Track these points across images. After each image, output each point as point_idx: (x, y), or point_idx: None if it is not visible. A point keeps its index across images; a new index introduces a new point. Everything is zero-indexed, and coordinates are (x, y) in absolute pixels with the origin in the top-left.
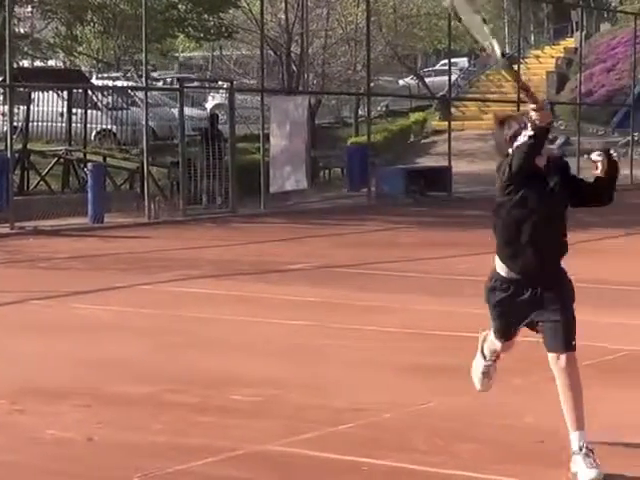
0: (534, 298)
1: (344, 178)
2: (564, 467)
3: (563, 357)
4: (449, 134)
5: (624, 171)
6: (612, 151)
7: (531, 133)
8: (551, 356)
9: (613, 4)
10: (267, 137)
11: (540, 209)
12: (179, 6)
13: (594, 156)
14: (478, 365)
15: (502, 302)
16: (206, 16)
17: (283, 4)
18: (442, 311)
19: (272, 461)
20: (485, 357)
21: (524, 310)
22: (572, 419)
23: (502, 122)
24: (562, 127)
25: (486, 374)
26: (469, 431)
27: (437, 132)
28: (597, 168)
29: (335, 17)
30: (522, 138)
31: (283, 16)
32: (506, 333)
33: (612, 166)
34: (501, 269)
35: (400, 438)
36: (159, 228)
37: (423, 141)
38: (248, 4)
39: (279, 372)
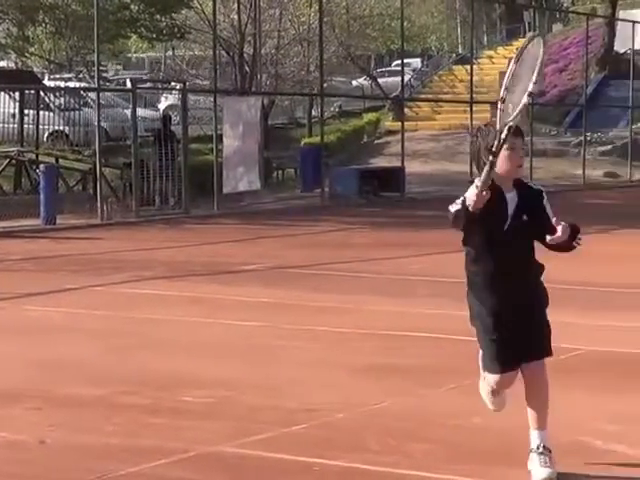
0: None
1: (297, 179)
2: (514, 466)
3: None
4: (402, 135)
5: (577, 171)
6: (579, 239)
7: (458, 207)
8: None
9: (565, 5)
10: (220, 138)
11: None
12: (131, 7)
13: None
14: (483, 385)
15: None
16: (158, 17)
17: (236, 4)
18: (395, 311)
19: (224, 462)
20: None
21: None
22: (535, 418)
23: (473, 135)
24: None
25: (495, 392)
26: (421, 431)
27: (390, 132)
28: (555, 233)
29: (288, 17)
30: (452, 206)
31: (236, 16)
32: None
33: (567, 247)
34: None
35: (353, 438)
36: (112, 229)
37: (376, 142)
38: (200, 4)
39: (232, 373)
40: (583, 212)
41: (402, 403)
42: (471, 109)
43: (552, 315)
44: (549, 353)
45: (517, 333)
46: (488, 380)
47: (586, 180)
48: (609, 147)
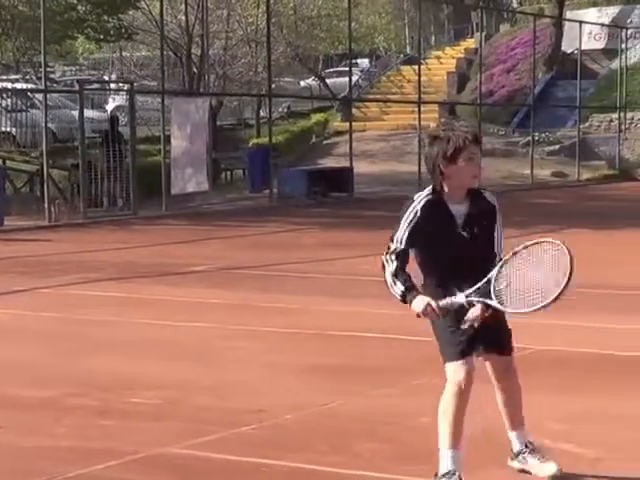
0: None
1: (246, 180)
2: (465, 469)
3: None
4: (350, 135)
5: (525, 171)
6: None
7: (401, 297)
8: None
9: (513, 5)
10: (168, 139)
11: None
12: (78, 7)
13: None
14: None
15: None
16: (105, 17)
17: (183, 5)
18: (344, 312)
19: (173, 463)
20: None
21: None
22: (512, 417)
23: (430, 141)
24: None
25: (461, 391)
26: (370, 431)
27: (339, 133)
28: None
29: (235, 18)
30: (395, 290)
31: (183, 17)
32: None
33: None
34: None
35: (301, 439)
36: (60, 231)
37: (325, 142)
38: (148, 5)
39: (180, 374)
40: (531, 212)
41: (351, 403)
42: (419, 109)
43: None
44: (512, 349)
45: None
46: (453, 377)
47: (534, 180)
48: (557, 147)
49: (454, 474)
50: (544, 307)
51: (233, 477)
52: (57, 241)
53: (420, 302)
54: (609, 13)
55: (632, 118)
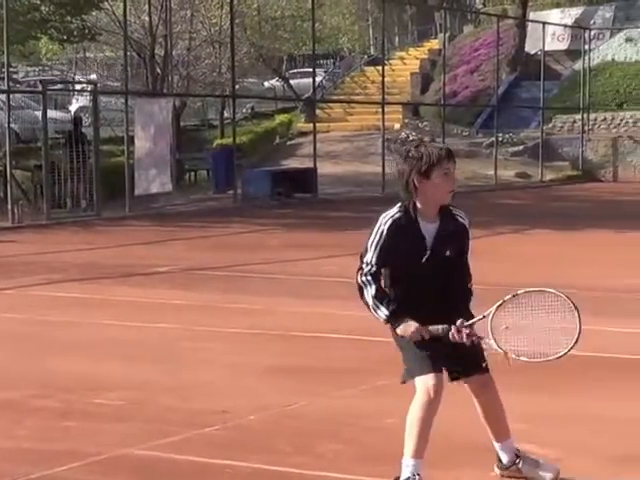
0: None
1: (209, 180)
2: (425, 467)
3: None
4: (314, 136)
5: (489, 171)
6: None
7: (385, 321)
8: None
9: (476, 6)
10: (131, 140)
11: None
12: (41, 8)
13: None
14: (418, 398)
15: None
16: (69, 18)
17: (147, 6)
18: (307, 312)
19: (136, 465)
20: None
21: None
22: (499, 428)
23: (403, 156)
24: (427, 128)
25: (431, 401)
26: (334, 432)
27: (303, 134)
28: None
29: (199, 19)
30: (379, 314)
31: (147, 18)
32: None
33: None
34: None
35: (265, 440)
36: (23, 232)
37: (289, 143)
38: (111, 6)
39: (144, 375)
40: (495, 212)
41: (314, 404)
42: (383, 110)
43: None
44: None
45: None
46: (423, 389)
47: (498, 180)
48: (520, 148)
49: (415, 478)
50: (546, 360)
51: (196, 478)
52: (20, 242)
53: (408, 328)
54: (572, 14)
55: (595, 119)
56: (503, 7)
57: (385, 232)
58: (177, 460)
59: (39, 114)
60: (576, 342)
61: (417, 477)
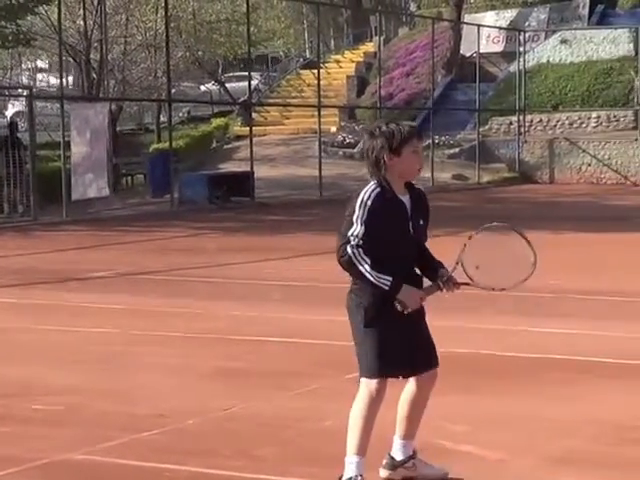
0: None
1: (147, 184)
2: (366, 472)
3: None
4: (250, 140)
5: (425, 174)
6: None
7: (389, 288)
8: None
9: (411, 9)
10: (68, 144)
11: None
12: None
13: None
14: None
15: None
16: (3, 23)
17: (81, 11)
18: (246, 316)
19: (75, 470)
20: None
21: None
22: (413, 426)
23: (372, 133)
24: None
25: (374, 401)
26: (272, 435)
27: (239, 137)
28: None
29: (134, 23)
30: (382, 282)
31: (82, 23)
32: None
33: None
34: None
35: (203, 443)
36: None
37: (225, 147)
38: (46, 11)
39: (82, 380)
40: (432, 214)
41: (253, 407)
42: (319, 113)
43: None
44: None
45: (415, 340)
46: (368, 387)
47: (435, 183)
48: (457, 150)
49: (357, 478)
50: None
51: None
52: None
53: (412, 293)
54: (507, 16)
55: (531, 121)
56: (438, 10)
57: (370, 206)
58: (117, 464)
59: None
60: (534, 265)
61: (359, 478)
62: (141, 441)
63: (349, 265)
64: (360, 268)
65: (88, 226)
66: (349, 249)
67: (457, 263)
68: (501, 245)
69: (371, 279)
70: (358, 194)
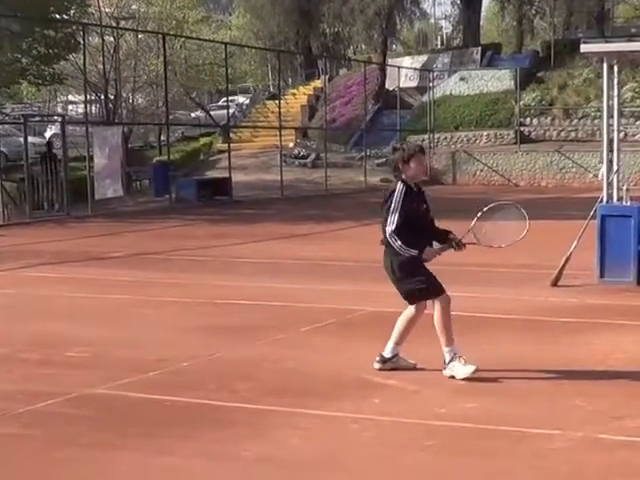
0: None
1: (151, 187)
2: (315, 397)
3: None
4: (229, 153)
5: (360, 178)
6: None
7: (416, 254)
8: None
9: (348, 54)
10: (92, 158)
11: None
12: (22, 60)
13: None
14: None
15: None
16: (43, 67)
17: (101, 57)
18: (226, 285)
19: (99, 400)
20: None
21: None
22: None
23: (395, 149)
24: (314, 146)
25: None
26: (247, 374)
27: (221, 151)
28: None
29: (141, 67)
30: (411, 252)
31: (102, 66)
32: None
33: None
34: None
35: (194, 381)
36: (11, 228)
37: (211, 158)
38: (74, 58)
39: (103, 333)
40: (365, 208)
41: (232, 354)
42: (280, 133)
43: (349, 285)
44: None
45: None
46: (445, 298)
47: (367, 184)
48: (383, 160)
49: (394, 357)
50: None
51: (143, 409)
52: (10, 236)
53: (431, 252)
54: (420, 60)
55: (439, 138)
56: (369, 55)
57: (403, 196)
58: (129, 396)
59: (22, 140)
60: (527, 231)
61: (395, 355)
62: (147, 379)
63: (389, 243)
64: (394, 245)
65: (107, 219)
66: (388, 234)
67: (469, 230)
68: (503, 216)
69: (400, 251)
70: (393, 190)
